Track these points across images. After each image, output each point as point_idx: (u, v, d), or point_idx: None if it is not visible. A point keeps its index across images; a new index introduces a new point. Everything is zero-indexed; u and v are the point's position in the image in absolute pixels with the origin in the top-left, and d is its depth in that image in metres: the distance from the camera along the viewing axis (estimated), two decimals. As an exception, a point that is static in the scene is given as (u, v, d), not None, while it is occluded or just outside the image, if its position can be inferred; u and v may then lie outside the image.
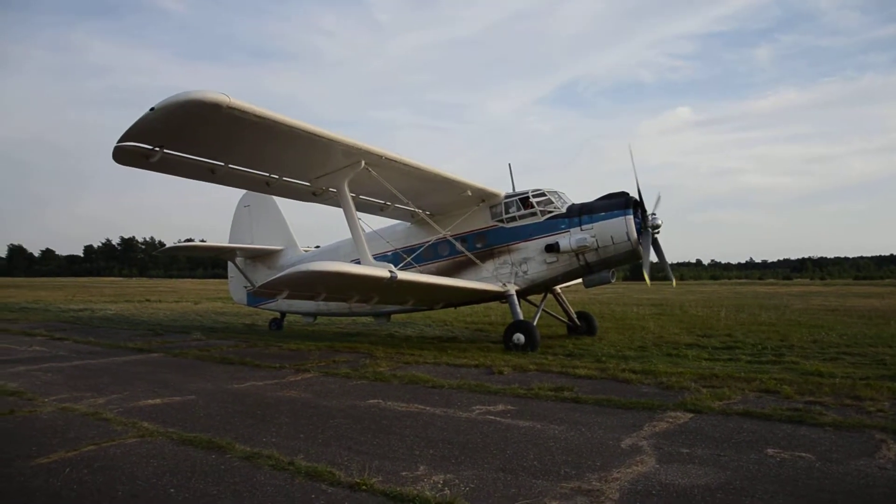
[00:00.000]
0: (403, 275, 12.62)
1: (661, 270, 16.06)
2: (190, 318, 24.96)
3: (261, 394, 9.27)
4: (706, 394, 8.63)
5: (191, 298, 40.38)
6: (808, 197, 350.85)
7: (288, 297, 13.08)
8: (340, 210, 13.93)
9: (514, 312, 14.59)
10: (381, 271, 12.16)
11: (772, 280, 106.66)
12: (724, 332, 17.59)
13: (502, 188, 16.03)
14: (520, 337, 13.74)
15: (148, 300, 37.11)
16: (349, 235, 14.35)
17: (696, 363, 11.87)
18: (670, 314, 25.03)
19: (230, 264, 21.35)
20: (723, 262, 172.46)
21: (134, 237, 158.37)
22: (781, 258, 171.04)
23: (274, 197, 20.28)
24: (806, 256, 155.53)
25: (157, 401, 8.69)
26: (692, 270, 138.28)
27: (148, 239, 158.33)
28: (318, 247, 20.57)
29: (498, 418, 7.63)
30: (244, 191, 21.06)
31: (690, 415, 7.66)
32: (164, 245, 24.27)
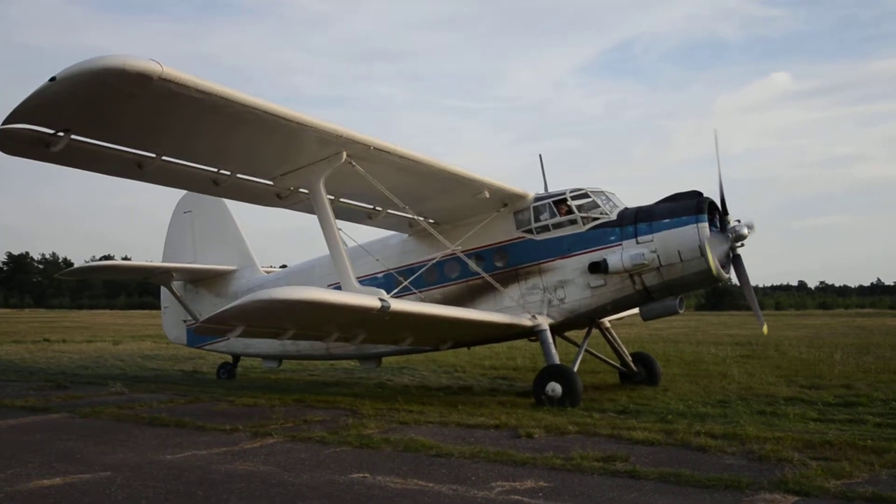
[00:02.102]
0: (398, 304, 12.69)
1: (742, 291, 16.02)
2: (107, 363, 25.10)
3: (205, 467, 9.27)
4: (816, 469, 8.56)
5: (108, 337, 40.49)
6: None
7: (244, 335, 13.15)
8: (314, 218, 14.04)
9: (547, 354, 14.64)
10: (370, 299, 12.22)
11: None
12: (839, 382, 17.51)
13: (531, 188, 16.17)
14: (555, 387, 13.76)
15: (47, 340, 37.19)
16: (326, 251, 14.45)
17: (801, 425, 11.82)
18: (762, 356, 24.93)
19: (164, 290, 21.49)
20: (837, 284, 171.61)
21: (27, 253, 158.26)
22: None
23: (225, 200, 20.46)
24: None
25: (56, 481, 8.64)
26: (793, 296, 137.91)
27: (48, 256, 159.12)
28: (283, 266, 20.75)
29: (526, 499, 7.61)
30: (184, 192, 21.27)
31: (795, 498, 7.61)
32: (72, 265, 24.43)
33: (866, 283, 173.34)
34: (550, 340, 14.80)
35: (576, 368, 14.56)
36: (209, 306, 20.01)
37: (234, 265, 20.62)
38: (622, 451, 9.75)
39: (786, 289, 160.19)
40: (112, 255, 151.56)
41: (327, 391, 17.09)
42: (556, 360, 14.43)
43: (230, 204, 21.08)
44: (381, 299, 12.25)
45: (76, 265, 20.81)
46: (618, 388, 17.00)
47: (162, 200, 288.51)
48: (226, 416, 13.23)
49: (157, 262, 20.95)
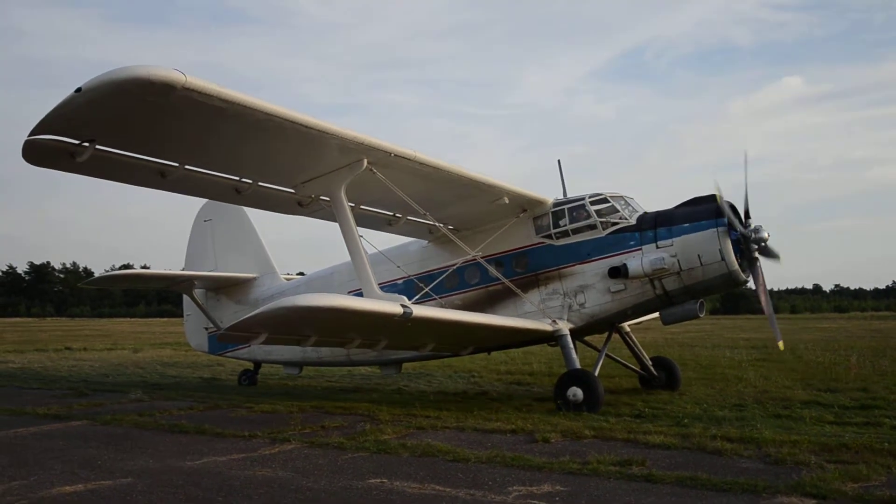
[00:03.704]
0: (420, 310, 12.64)
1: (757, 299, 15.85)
2: (127, 371, 25.26)
3: (224, 473, 9.32)
4: (833, 472, 8.53)
5: (129, 345, 40.82)
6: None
7: (267, 342, 13.19)
8: (334, 225, 14.05)
9: (568, 359, 14.56)
10: (392, 306, 12.21)
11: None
12: (856, 385, 17.44)
13: (549, 194, 16.11)
14: (576, 392, 13.69)
15: (69, 348, 37.54)
16: (345, 259, 14.48)
17: (818, 428, 11.77)
18: (778, 360, 24.74)
19: (186, 299, 21.62)
20: (852, 287, 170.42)
21: (48, 263, 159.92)
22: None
23: (244, 208, 20.56)
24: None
25: (79, 487, 8.70)
26: (808, 300, 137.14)
27: (69, 265, 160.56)
28: (301, 274, 20.80)
29: (543, 503, 7.61)
30: (205, 201, 21.38)
31: (812, 501, 7.57)
32: (93, 274, 24.60)
33: (882, 286, 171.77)
34: (571, 345, 14.74)
35: (596, 373, 14.48)
36: (230, 314, 20.19)
37: (254, 273, 20.73)
38: (638, 455, 9.72)
39: (801, 292, 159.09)
40: (131, 264, 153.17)
41: (345, 397, 17.13)
42: (578, 365, 14.36)
43: (250, 212, 21.20)
44: (403, 306, 12.24)
45: (97, 274, 20.87)
46: (634, 392, 16.95)
47: (179, 210, 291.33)
48: (244, 423, 13.27)
49: (179, 271, 21.06)
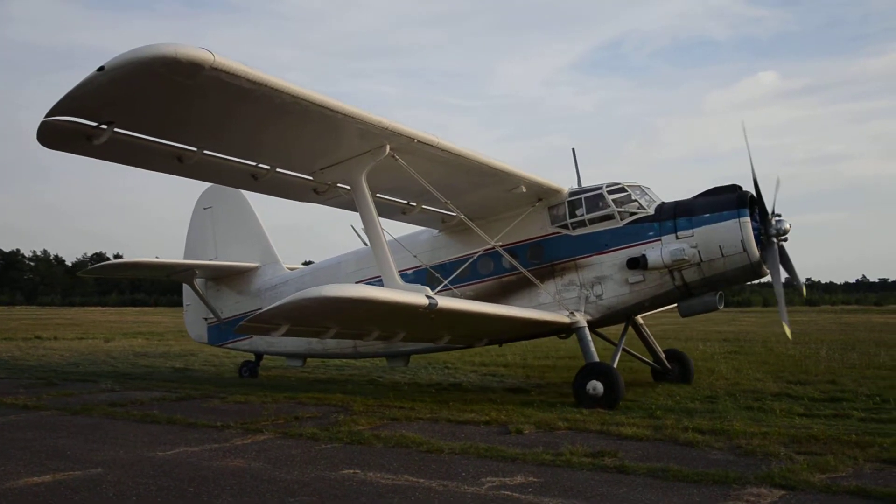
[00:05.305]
0: (445, 301, 12.39)
1: (793, 283, 15.83)
2: (98, 360, 25.02)
3: (196, 464, 9.26)
4: (802, 463, 8.65)
5: (100, 334, 40.40)
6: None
7: (287, 335, 12.90)
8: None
9: (586, 352, 14.33)
10: (417, 297, 11.93)
11: (895, 306, 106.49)
12: (825, 377, 17.66)
13: (564, 183, 15.85)
14: (597, 386, 13.36)
15: (38, 337, 37.06)
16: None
17: (787, 420, 11.90)
18: (749, 352, 25.06)
19: (186, 289, 21.27)
20: (823, 281, 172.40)
21: (18, 250, 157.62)
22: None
23: (244, 194, 20.36)
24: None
25: (47, 478, 8.59)
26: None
27: (39, 253, 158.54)
28: (306, 263, 20.38)
29: (516, 494, 7.63)
30: (205, 187, 21.15)
31: (781, 492, 7.66)
32: (63, 262, 24.21)
33: (852, 280, 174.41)
34: (589, 338, 14.51)
35: (614, 366, 14.22)
36: (231, 304, 20.04)
37: (256, 262, 20.37)
38: (611, 446, 9.79)
39: (771, 286, 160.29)
40: (104, 252, 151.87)
41: (319, 388, 17.07)
42: (596, 358, 14.13)
43: (252, 199, 21.02)
44: (428, 297, 12.00)
45: (68, 263, 20.52)
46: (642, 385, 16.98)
47: (158, 197, 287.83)
48: (217, 413, 13.20)
49: (179, 260, 20.67)
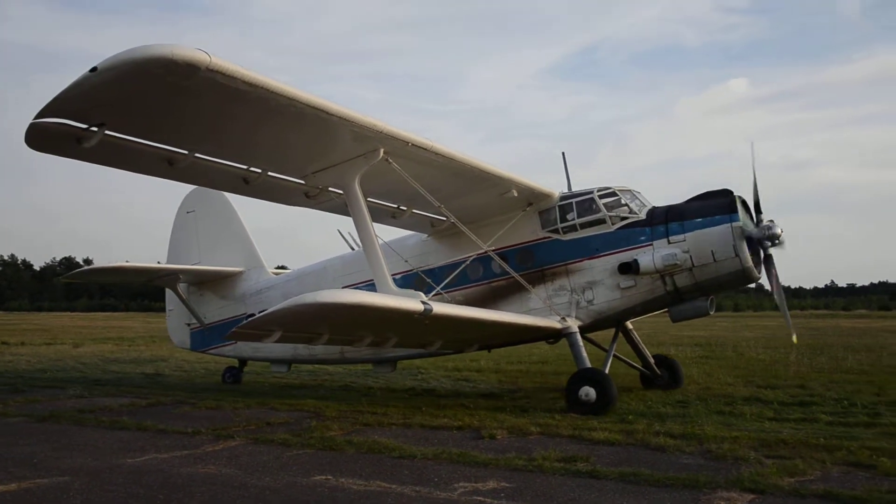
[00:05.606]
0: (439, 307, 12.28)
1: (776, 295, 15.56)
2: (67, 366, 24.66)
3: (166, 471, 9.19)
4: (771, 467, 8.76)
5: (69, 339, 39.89)
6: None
7: (280, 340, 12.76)
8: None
9: (578, 358, 14.27)
10: (413, 302, 11.89)
11: (863, 311, 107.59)
12: (794, 382, 17.81)
13: (555, 187, 15.79)
14: (589, 392, 13.30)
15: (5, 343, 36.51)
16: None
17: (757, 424, 12.02)
18: (720, 357, 25.27)
19: (169, 293, 21.00)
20: (793, 286, 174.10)
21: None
22: (877, 281, 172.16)
23: (228, 197, 20.21)
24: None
25: (12, 486, 8.49)
26: (750, 299, 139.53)
27: (7, 257, 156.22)
28: (279, 268, 20.21)
29: (488, 499, 7.65)
30: (189, 190, 20.96)
31: (750, 496, 7.75)
32: (31, 266, 23.87)
33: (821, 285, 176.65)
34: (581, 343, 14.47)
35: (606, 371, 14.17)
36: (215, 309, 19.82)
37: (240, 266, 20.15)
38: (583, 451, 9.84)
39: (743, 290, 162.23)
40: (74, 256, 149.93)
41: (291, 394, 16.99)
42: (588, 364, 14.08)
43: (236, 202, 20.86)
44: (423, 302, 11.93)
45: (36, 268, 20.23)
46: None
47: (125, 201, 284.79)
48: (188, 419, 13.09)
49: (164, 265, 20.46)
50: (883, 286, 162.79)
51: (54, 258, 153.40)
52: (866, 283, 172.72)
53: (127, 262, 20.04)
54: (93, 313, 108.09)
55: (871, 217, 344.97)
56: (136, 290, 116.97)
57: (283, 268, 20.78)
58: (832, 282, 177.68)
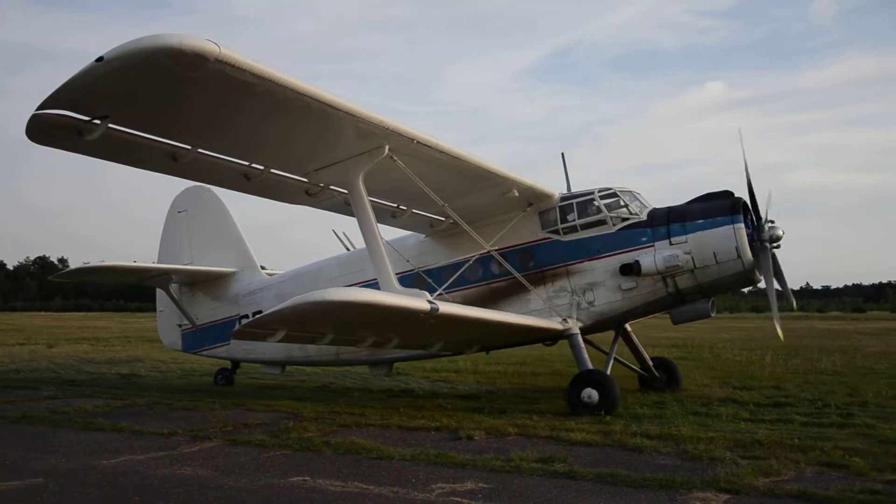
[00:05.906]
0: (445, 307, 12.13)
1: (783, 299, 15.82)
2: (41, 367, 24.39)
3: (141, 472, 9.13)
4: (746, 467, 8.84)
5: (43, 339, 39.42)
6: (885, 200, 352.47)
7: (283, 340, 12.53)
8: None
9: (579, 360, 14.20)
10: (419, 302, 11.75)
11: (837, 313, 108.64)
12: (770, 383, 18.01)
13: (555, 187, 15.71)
14: (592, 394, 13.23)
15: (-22, 343, 36.13)
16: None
17: (733, 425, 12.12)
18: (697, 358, 25.45)
19: (160, 293, 20.72)
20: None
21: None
22: (850, 283, 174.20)
23: (220, 196, 20.07)
24: (884, 281, 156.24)
25: (-13, 486, 8.44)
26: (726, 300, 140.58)
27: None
28: (262, 268, 20.09)
29: (466, 500, 7.67)
30: (182, 189, 20.74)
31: (725, 496, 7.82)
32: (5, 265, 23.60)
33: (795, 288, 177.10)
34: (582, 345, 14.39)
35: (608, 373, 14.15)
36: (207, 310, 19.60)
37: (233, 267, 19.94)
38: (560, 452, 9.89)
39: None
40: (48, 255, 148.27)
41: (268, 395, 16.93)
42: (590, 366, 14.00)
43: (229, 201, 20.70)
44: (429, 301, 11.80)
45: (10, 266, 19.99)
46: (559, 390, 17.09)
47: (97, 199, 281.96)
48: (164, 420, 13.00)
49: (155, 264, 20.17)
50: (857, 288, 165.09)
51: (28, 257, 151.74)
52: (840, 286, 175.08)
53: (130, 262, 19.91)
54: (67, 313, 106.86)
55: (847, 220, 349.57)
56: (111, 290, 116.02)
57: (262, 268, 20.59)
58: (807, 284, 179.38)
